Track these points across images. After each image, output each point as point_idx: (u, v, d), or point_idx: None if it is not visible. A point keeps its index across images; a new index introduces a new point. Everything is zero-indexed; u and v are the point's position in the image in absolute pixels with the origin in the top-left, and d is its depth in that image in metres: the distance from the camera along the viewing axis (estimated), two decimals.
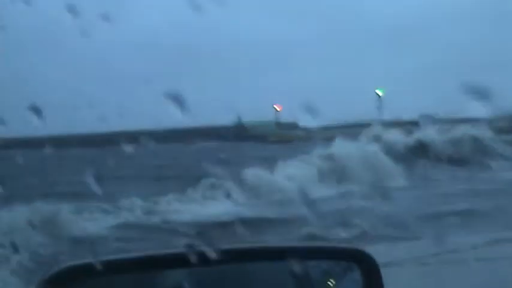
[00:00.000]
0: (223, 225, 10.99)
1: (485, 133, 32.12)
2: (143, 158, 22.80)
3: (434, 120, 50.62)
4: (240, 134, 53.39)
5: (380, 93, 56.71)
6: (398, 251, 8.22)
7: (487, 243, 7.81)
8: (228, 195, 15.55)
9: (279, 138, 53.45)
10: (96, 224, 12.51)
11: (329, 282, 1.56)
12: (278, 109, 63.30)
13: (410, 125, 47.01)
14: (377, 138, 25.77)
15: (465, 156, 25.96)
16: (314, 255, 1.50)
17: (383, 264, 1.55)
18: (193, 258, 1.37)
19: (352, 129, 46.72)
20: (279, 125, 63.34)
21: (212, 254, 1.33)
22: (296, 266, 1.41)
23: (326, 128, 58.90)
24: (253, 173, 17.91)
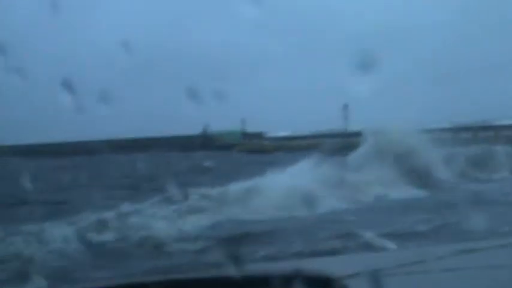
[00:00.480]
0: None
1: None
2: (100, 168, 22.35)
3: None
4: (205, 144, 53.18)
5: (346, 104, 57.33)
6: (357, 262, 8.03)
7: (453, 253, 7.77)
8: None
9: (248, 148, 53.27)
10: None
11: None
12: (244, 119, 62.84)
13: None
14: None
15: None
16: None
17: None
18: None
19: (317, 140, 49.10)
20: (246, 135, 63.37)
21: None
22: None
23: (292, 138, 61.09)
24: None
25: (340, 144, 45.85)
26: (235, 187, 15.94)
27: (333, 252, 8.53)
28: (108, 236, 11.32)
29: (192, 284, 1.41)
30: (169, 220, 12.75)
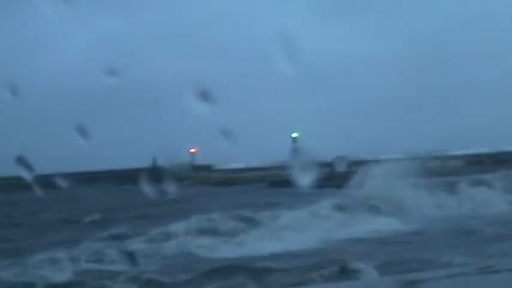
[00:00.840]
0: None
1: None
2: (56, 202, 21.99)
3: (348, 161, 53.57)
4: (154, 177, 53.15)
5: (295, 135, 58.24)
6: None
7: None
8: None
9: (199, 181, 53.66)
10: None
11: None
12: (193, 151, 63.85)
13: (324, 167, 53.73)
14: None
15: None
16: None
17: None
18: None
19: (267, 172, 52.08)
20: (195, 167, 63.99)
21: None
22: None
23: (241, 170, 61.75)
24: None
25: (290, 176, 48.11)
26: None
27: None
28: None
29: None
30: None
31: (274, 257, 12.52)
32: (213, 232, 16.69)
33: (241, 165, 63.24)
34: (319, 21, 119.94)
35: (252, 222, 18.64)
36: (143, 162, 53.71)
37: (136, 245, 14.47)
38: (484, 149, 54.93)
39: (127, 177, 50.21)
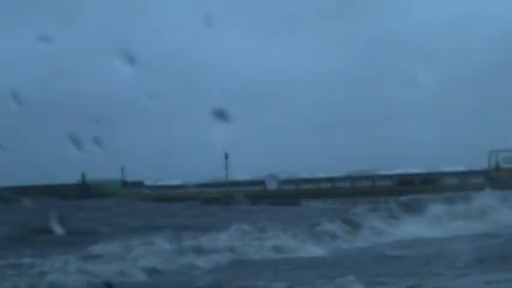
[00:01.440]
0: None
1: None
2: None
3: (279, 179, 54.85)
4: (83, 193, 53.02)
5: (227, 153, 58.20)
6: None
7: None
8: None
9: (132, 197, 52.58)
10: None
11: None
12: (124, 168, 62.04)
13: (256, 185, 52.65)
14: None
15: None
16: None
17: None
18: None
19: (200, 189, 53.08)
20: (125, 183, 63.14)
21: None
22: None
23: (173, 187, 61.12)
24: None
25: (222, 193, 48.51)
26: None
27: None
28: None
29: None
30: None
31: None
32: None
33: (175, 182, 62.58)
34: (258, 39, 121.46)
35: None
36: (73, 177, 59.42)
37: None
38: (415, 169, 55.61)
39: (56, 192, 48.64)
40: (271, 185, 42.31)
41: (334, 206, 38.21)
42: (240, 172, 57.11)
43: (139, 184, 62.29)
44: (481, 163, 51.81)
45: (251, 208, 32.13)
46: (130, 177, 61.88)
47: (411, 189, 46.32)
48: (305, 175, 54.81)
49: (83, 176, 62.17)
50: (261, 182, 49.91)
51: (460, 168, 53.60)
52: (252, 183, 53.13)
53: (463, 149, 57.10)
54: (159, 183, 62.91)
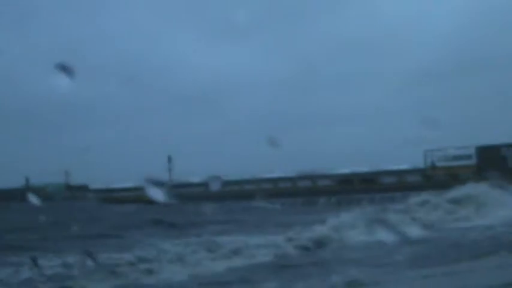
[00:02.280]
0: None
1: None
2: None
3: (222, 181, 55.39)
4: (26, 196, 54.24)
5: (170, 156, 61.50)
6: None
7: None
8: None
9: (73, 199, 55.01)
10: None
11: None
12: (68, 172, 64.21)
13: (198, 186, 54.42)
14: None
15: None
16: None
17: None
18: None
19: (142, 191, 53.84)
20: (69, 187, 64.63)
21: None
22: None
23: (119, 190, 62.27)
24: None
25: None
26: None
27: None
28: None
29: None
30: None
31: None
32: None
33: (118, 186, 63.34)
34: (205, 45, 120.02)
35: None
36: (16, 181, 60.31)
37: None
38: (357, 169, 57.33)
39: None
40: (215, 187, 42.75)
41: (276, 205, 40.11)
42: (185, 174, 58.87)
43: (83, 188, 62.48)
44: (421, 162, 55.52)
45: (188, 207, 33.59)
46: (79, 181, 63.26)
47: (351, 188, 49.57)
48: (247, 176, 57.07)
49: (27, 180, 63.93)
50: (204, 184, 50.34)
51: (402, 166, 55.48)
52: (195, 185, 54.66)
53: (405, 149, 60.67)
54: (105, 187, 63.09)
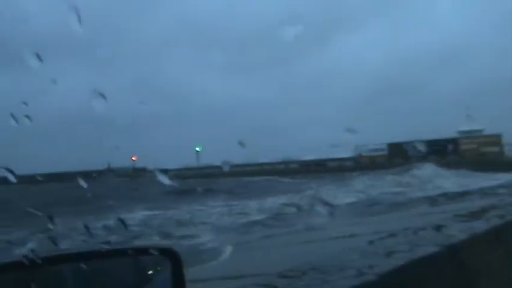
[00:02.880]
0: None
1: None
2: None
3: (230, 164, 58.93)
4: (110, 175, 73.46)
5: (198, 149, 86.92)
6: None
7: None
8: None
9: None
10: None
11: (150, 272, 1.91)
12: (134, 159, 74.22)
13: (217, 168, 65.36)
14: None
15: None
16: (131, 254, 1.87)
17: None
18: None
19: (182, 172, 77.47)
20: (135, 169, 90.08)
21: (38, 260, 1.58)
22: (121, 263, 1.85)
23: (166, 170, 66.71)
24: None
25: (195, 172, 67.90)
26: None
27: None
28: None
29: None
30: None
31: None
32: None
33: (165, 167, 68.47)
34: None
35: None
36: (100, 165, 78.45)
37: None
38: (312, 157, 79.89)
39: (89, 175, 62.90)
40: (226, 168, 63.03)
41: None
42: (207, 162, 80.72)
43: (143, 169, 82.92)
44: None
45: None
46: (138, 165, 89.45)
47: (308, 169, 68.74)
48: (248, 161, 76.45)
49: (108, 164, 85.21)
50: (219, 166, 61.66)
51: (341, 155, 75.27)
52: (215, 167, 71.89)
53: (345, 144, 76.72)
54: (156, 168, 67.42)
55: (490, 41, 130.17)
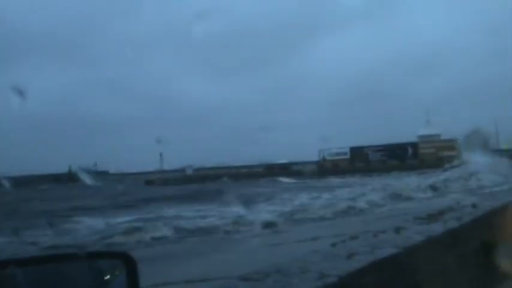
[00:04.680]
0: None
1: None
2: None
3: (194, 168, 69.70)
4: (71, 179, 66.26)
5: (161, 152, 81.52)
6: None
7: None
8: None
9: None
10: None
11: (106, 277, 1.90)
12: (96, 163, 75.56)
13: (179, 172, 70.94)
14: None
15: None
16: (86, 259, 1.84)
17: None
18: None
19: (144, 176, 75.28)
20: (97, 172, 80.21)
21: None
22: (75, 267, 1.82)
23: (126, 174, 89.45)
24: None
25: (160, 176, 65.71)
26: None
27: None
28: None
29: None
30: None
31: None
32: None
33: (129, 171, 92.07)
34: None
35: None
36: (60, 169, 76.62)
37: None
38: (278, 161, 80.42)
39: (51, 179, 71.44)
40: (189, 171, 63.47)
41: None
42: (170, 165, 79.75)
43: (106, 172, 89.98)
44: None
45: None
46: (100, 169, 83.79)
47: (273, 172, 69.40)
48: (210, 165, 76.59)
49: (69, 167, 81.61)
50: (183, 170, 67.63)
51: (306, 159, 75.95)
52: (178, 170, 72.55)
53: (310, 149, 76.80)
54: (122, 171, 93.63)
55: (456, 50, 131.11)
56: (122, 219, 15.96)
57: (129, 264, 1.82)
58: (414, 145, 70.79)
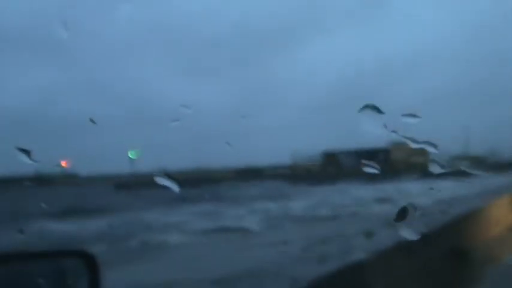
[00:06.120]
0: None
1: None
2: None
3: (165, 172, 61.30)
4: (38, 181, 57.58)
5: (131, 155, 71.46)
6: None
7: None
8: None
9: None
10: None
11: (68, 275, 1.84)
12: (64, 164, 58.63)
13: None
14: None
15: None
16: (47, 257, 1.78)
17: None
18: None
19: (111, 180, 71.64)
20: (65, 175, 68.58)
21: None
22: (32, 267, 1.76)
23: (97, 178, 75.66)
24: None
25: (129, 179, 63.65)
26: None
27: None
28: None
29: None
30: None
31: None
32: None
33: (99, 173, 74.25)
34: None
35: None
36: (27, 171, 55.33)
37: None
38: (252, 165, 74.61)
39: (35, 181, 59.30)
40: (159, 175, 63.37)
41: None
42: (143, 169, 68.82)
43: (74, 175, 62.33)
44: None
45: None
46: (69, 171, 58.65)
47: (246, 177, 68.03)
48: (182, 168, 66.75)
49: (36, 170, 67.58)
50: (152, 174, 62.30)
51: (278, 163, 74.37)
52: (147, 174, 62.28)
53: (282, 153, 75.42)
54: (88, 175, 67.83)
55: (437, 55, 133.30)
56: None
57: (90, 262, 1.81)
58: (386, 151, 72.68)
